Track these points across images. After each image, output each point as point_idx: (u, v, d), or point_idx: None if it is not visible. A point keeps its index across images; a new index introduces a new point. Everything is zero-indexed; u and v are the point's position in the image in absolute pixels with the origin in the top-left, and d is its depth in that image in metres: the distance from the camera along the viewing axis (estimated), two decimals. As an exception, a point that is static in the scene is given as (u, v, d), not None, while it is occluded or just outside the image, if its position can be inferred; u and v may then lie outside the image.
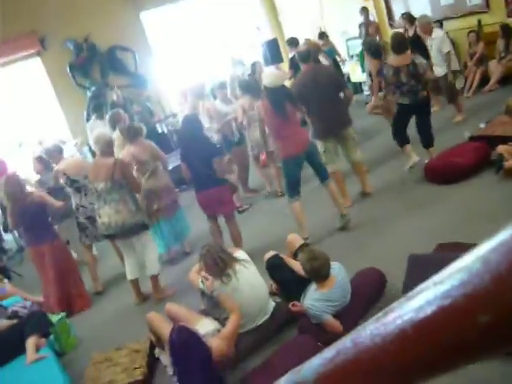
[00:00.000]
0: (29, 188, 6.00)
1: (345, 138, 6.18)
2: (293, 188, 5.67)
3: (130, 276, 5.67)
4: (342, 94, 6.14)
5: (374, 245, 5.08)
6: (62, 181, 6.23)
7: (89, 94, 11.35)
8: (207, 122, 6.81)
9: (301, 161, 5.62)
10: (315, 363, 0.62)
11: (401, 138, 6.56)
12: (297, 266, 4.32)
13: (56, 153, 6.45)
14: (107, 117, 7.08)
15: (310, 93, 5.83)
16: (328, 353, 0.61)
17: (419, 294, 0.54)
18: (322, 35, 11.12)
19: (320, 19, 12.82)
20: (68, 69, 11.31)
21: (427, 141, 6.46)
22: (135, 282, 5.70)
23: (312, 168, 5.78)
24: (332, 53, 10.52)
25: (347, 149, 6.26)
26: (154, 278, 5.60)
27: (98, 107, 9.71)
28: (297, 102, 5.61)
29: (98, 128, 9.20)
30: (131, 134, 6.07)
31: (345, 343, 0.59)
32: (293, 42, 9.14)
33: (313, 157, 5.67)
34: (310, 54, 6.28)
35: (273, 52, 11.77)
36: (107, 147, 5.45)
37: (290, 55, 9.50)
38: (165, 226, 6.28)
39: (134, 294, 5.73)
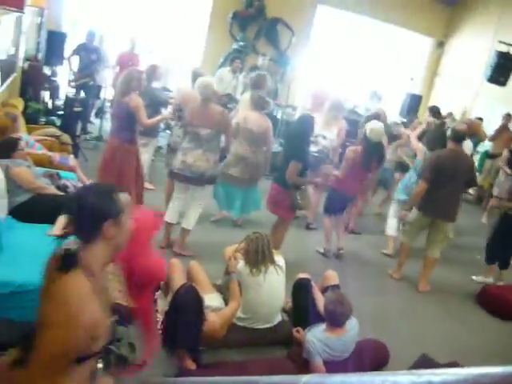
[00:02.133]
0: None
1: (440, 228, 6.00)
2: (329, 210, 6.50)
3: (169, 219, 5.69)
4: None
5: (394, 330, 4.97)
6: (172, 101, 6.31)
7: (234, 46, 11.58)
8: (329, 132, 6.80)
9: (343, 199, 6.39)
10: None
11: (494, 253, 6.41)
12: (320, 300, 4.27)
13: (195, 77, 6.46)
14: (253, 76, 7.10)
15: (443, 171, 5.73)
16: None
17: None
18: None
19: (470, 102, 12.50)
20: (231, 15, 11.57)
21: (506, 262, 6.28)
22: (170, 226, 5.76)
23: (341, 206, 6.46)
24: (477, 143, 10.24)
25: (433, 240, 6.07)
26: (186, 232, 5.66)
27: (235, 61, 9.89)
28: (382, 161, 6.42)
29: (224, 79, 9.45)
30: (259, 104, 6.15)
31: None
32: (433, 111, 8.97)
33: (350, 202, 6.66)
34: (464, 136, 6.16)
35: (411, 107, 11.70)
36: (213, 95, 5.57)
37: (426, 119, 9.34)
38: (237, 192, 6.40)
39: (164, 237, 5.74)
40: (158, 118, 6.20)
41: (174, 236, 5.79)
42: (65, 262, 2.03)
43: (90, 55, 9.14)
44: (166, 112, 6.32)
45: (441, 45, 13.94)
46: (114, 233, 2.08)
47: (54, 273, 2.02)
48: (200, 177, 5.47)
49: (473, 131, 8.26)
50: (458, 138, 5.93)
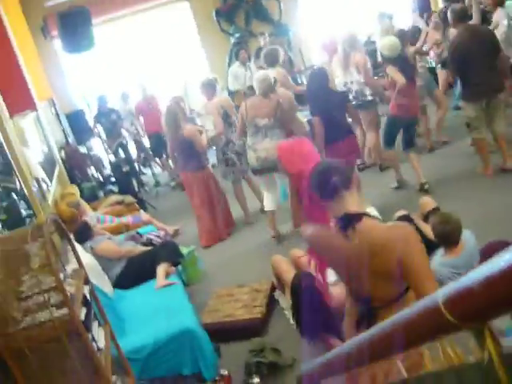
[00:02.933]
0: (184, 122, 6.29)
1: (495, 105, 5.80)
2: (389, 140, 6.23)
3: (270, 207, 5.88)
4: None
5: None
6: (215, 112, 6.39)
7: (232, 40, 11.56)
8: (349, 75, 6.65)
9: (405, 124, 6.08)
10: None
11: None
12: (427, 229, 4.17)
13: (210, 87, 6.60)
14: (264, 54, 7.07)
15: (467, 53, 5.56)
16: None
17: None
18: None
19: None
20: (214, 14, 11.56)
21: None
22: (273, 214, 5.90)
23: (404, 135, 6.18)
24: None
25: (494, 117, 5.85)
26: (274, 213, 5.89)
27: (240, 54, 9.88)
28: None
29: (241, 74, 9.45)
30: (263, 88, 6.08)
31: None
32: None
33: (413, 126, 6.30)
34: (466, 12, 5.93)
35: (422, 2, 11.30)
36: (269, 88, 5.61)
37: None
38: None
39: (272, 226, 5.92)
40: (206, 137, 6.35)
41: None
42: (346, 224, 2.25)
43: (109, 118, 9.40)
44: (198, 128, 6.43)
45: None
46: None
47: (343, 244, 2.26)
48: (276, 164, 5.50)
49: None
50: (459, 17, 5.79)
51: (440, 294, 0.83)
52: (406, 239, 2.19)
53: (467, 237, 3.87)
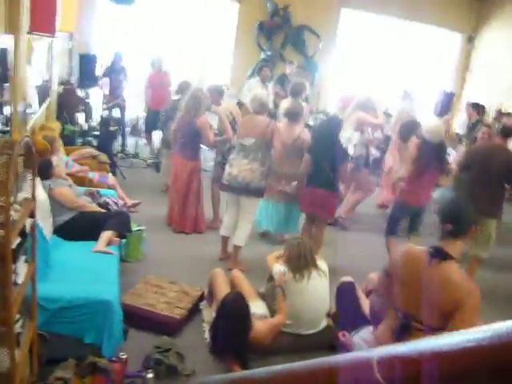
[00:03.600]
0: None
1: (483, 227, 5.70)
2: (392, 228, 5.92)
3: (224, 232, 5.78)
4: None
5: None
6: (224, 116, 6.46)
7: (262, 55, 11.65)
8: (349, 130, 6.75)
9: (411, 212, 5.87)
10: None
11: None
12: (365, 304, 4.22)
13: (217, 93, 6.67)
14: (293, 83, 7.21)
15: (477, 168, 5.60)
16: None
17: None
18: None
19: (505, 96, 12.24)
20: (257, 26, 11.65)
21: None
22: (226, 239, 5.81)
23: (410, 222, 6.00)
24: None
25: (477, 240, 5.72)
26: (237, 249, 5.64)
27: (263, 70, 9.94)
28: (444, 164, 5.78)
29: (257, 89, 9.49)
30: (291, 114, 6.14)
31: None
32: (476, 106, 8.90)
33: (420, 215, 5.99)
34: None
35: (445, 104, 11.59)
36: (261, 108, 5.60)
37: (467, 116, 9.30)
38: (276, 207, 6.37)
39: (221, 249, 5.82)
40: (222, 137, 6.45)
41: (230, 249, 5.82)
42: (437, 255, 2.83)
43: (117, 76, 9.37)
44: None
45: (471, 40, 13.72)
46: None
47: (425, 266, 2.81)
48: (246, 187, 5.47)
49: None
50: (506, 133, 5.78)
51: (376, 355, 0.84)
52: (473, 295, 2.74)
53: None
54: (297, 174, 5.98)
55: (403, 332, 2.87)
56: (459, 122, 10.66)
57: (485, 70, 13.12)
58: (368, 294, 4.40)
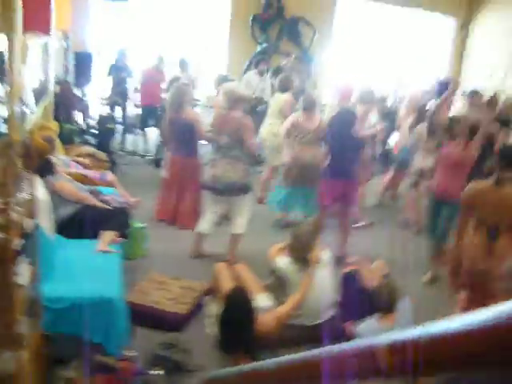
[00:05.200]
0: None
1: None
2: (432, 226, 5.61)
3: (202, 229, 5.65)
4: None
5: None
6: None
7: (258, 48, 11.60)
8: None
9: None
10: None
11: None
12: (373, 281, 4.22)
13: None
14: (279, 78, 7.23)
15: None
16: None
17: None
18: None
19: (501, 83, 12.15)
20: (251, 18, 11.60)
21: None
22: (201, 237, 5.69)
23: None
24: None
25: None
26: (237, 238, 5.57)
27: (260, 64, 9.94)
28: None
29: (255, 83, 9.47)
30: (307, 104, 6.24)
31: None
32: (476, 94, 8.84)
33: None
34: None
35: (441, 92, 11.52)
36: (236, 103, 5.49)
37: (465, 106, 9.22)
38: (301, 191, 6.45)
39: (194, 246, 5.70)
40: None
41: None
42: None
43: (120, 74, 9.36)
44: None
45: (465, 25, 13.66)
46: None
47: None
48: (231, 188, 5.41)
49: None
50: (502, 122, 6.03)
51: (382, 341, 0.85)
52: None
53: (405, 306, 3.91)
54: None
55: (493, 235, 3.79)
56: (457, 108, 10.59)
57: (480, 56, 13.09)
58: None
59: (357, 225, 6.84)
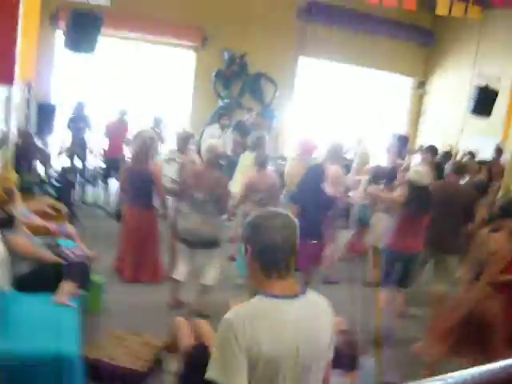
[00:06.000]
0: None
1: (447, 261, 5.96)
2: (387, 277, 5.66)
3: (180, 277, 5.64)
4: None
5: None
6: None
7: (220, 103, 11.80)
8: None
9: (402, 259, 5.61)
10: None
11: None
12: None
13: (183, 140, 6.82)
14: (252, 137, 7.46)
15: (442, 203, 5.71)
16: None
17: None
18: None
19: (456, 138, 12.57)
20: (214, 74, 11.83)
21: None
22: (178, 286, 5.70)
23: (400, 272, 5.64)
24: None
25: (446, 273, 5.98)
26: (206, 289, 5.59)
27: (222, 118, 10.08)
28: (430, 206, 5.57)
29: (216, 137, 9.58)
30: (261, 161, 6.29)
31: None
32: (431, 150, 9.15)
33: (412, 264, 5.67)
34: (465, 169, 6.27)
35: (399, 148, 11.83)
36: (216, 159, 5.62)
37: (416, 159, 9.52)
38: None
39: (172, 296, 5.71)
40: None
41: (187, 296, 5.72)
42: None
43: (78, 125, 9.37)
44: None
45: (422, 84, 14.26)
46: None
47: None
48: (201, 240, 5.47)
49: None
50: (458, 170, 6.04)
51: None
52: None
53: (367, 363, 3.93)
54: None
55: None
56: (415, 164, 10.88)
57: (436, 113, 13.62)
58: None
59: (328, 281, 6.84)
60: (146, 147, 6.16)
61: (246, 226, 2.22)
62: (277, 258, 2.13)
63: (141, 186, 6.16)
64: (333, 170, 6.69)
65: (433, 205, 5.56)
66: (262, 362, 1.98)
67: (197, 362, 3.65)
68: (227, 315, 2.06)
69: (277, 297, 2.07)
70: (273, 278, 2.11)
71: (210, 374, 2.09)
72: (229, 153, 9.19)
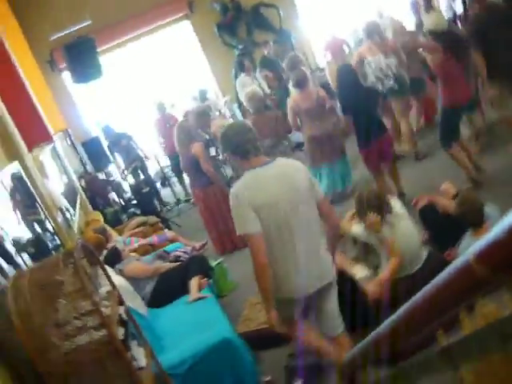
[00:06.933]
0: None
1: None
2: (447, 136, 5.50)
3: None
4: None
5: None
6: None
7: (236, 52, 11.63)
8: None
9: (463, 112, 5.51)
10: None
11: None
12: (451, 208, 4.13)
13: (201, 117, 6.67)
14: (286, 61, 7.31)
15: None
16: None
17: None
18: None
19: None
20: (216, 29, 11.65)
21: None
22: None
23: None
24: None
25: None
26: None
27: (245, 64, 9.94)
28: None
29: (249, 85, 9.48)
30: (299, 82, 6.15)
31: None
32: None
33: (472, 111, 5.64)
34: None
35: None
36: (260, 103, 5.60)
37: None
38: (324, 170, 6.38)
39: None
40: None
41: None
42: None
43: (119, 144, 9.49)
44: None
45: None
46: None
47: None
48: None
49: None
50: None
51: (471, 252, 0.86)
52: None
53: (494, 214, 3.82)
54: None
55: None
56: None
57: None
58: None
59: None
60: (186, 130, 6.20)
61: (220, 144, 3.36)
62: (246, 148, 3.06)
63: (194, 167, 6.27)
64: (391, 42, 6.48)
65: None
66: (261, 210, 2.94)
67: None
68: (231, 190, 3.09)
69: (255, 167, 3.07)
70: (250, 160, 3.08)
71: (238, 232, 3.03)
72: (267, 91, 9.09)
